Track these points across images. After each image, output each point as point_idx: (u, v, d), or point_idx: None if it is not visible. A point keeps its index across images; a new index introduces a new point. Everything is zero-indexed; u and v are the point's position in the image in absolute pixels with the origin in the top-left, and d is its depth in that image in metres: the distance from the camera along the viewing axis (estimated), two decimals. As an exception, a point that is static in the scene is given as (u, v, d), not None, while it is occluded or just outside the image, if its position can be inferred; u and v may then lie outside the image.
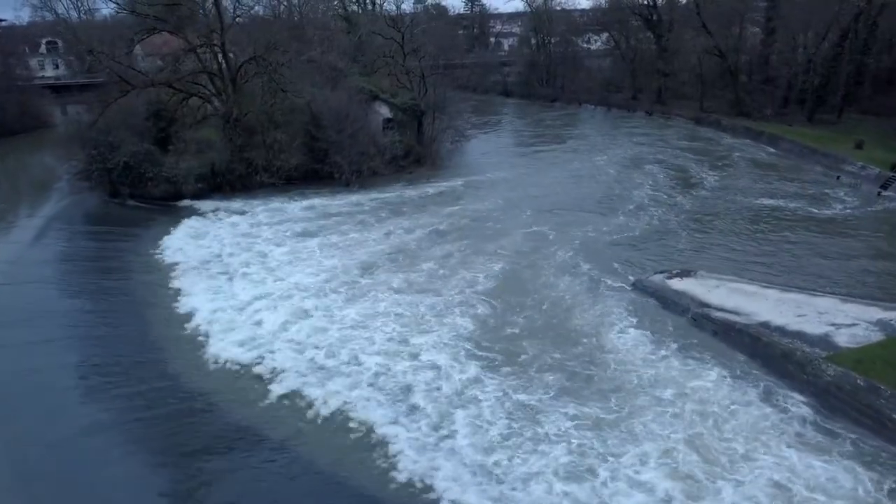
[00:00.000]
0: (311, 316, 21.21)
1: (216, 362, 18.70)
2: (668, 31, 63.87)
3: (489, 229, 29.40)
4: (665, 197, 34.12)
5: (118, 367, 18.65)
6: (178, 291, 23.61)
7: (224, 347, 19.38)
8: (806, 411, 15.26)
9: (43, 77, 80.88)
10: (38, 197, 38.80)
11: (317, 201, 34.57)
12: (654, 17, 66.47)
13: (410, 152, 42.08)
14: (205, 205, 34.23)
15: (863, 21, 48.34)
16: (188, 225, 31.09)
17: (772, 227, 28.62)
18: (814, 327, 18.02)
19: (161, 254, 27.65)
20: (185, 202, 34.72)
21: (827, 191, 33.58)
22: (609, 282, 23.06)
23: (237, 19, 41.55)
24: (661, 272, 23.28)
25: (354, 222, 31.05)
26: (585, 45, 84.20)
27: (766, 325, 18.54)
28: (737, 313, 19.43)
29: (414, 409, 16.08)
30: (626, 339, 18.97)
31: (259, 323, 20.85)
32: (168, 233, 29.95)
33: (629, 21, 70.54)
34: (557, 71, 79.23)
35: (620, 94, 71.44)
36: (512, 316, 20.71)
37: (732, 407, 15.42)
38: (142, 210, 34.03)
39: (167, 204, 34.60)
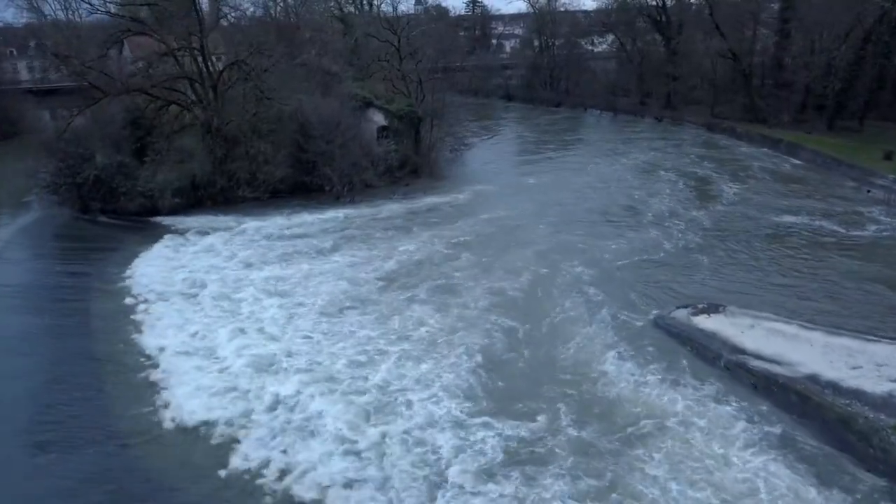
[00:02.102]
0: (295, 359, 18.46)
1: (173, 422, 15.95)
2: (678, 34, 61.20)
3: (488, 249, 26.71)
4: (683, 211, 31.59)
5: (59, 426, 15.96)
6: (142, 329, 20.75)
7: (185, 401, 16.58)
8: (876, 496, 12.57)
9: (33, 80, 78.28)
10: (13, 209, 36.01)
11: (303, 218, 31.81)
12: (663, 19, 63.95)
13: (407, 162, 39.51)
14: (182, 221, 31.43)
15: (886, 23, 45.66)
16: (161, 246, 28.36)
17: (802, 249, 25.94)
18: (874, 384, 15.30)
19: (129, 280, 24.83)
20: (162, 218, 31.97)
21: (860, 209, 30.80)
22: (625, 317, 20.39)
23: (222, 20, 39.00)
24: (685, 307, 20.55)
25: (344, 241, 28.35)
26: (590, 48, 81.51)
27: (814, 378, 15.83)
28: (778, 362, 16.70)
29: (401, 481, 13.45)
30: (652, 394, 16.26)
31: (230, 368, 18.09)
32: (138, 255, 27.18)
33: (636, 22, 68.10)
34: (561, 74, 76.80)
35: (627, 98, 68.84)
36: (519, 363, 18.11)
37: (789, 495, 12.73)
38: (114, 228, 31.26)
39: (142, 220, 31.92)
